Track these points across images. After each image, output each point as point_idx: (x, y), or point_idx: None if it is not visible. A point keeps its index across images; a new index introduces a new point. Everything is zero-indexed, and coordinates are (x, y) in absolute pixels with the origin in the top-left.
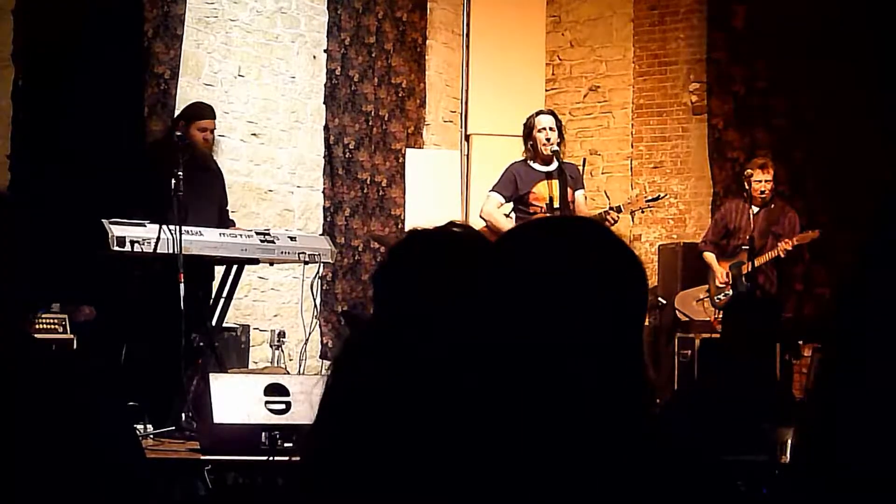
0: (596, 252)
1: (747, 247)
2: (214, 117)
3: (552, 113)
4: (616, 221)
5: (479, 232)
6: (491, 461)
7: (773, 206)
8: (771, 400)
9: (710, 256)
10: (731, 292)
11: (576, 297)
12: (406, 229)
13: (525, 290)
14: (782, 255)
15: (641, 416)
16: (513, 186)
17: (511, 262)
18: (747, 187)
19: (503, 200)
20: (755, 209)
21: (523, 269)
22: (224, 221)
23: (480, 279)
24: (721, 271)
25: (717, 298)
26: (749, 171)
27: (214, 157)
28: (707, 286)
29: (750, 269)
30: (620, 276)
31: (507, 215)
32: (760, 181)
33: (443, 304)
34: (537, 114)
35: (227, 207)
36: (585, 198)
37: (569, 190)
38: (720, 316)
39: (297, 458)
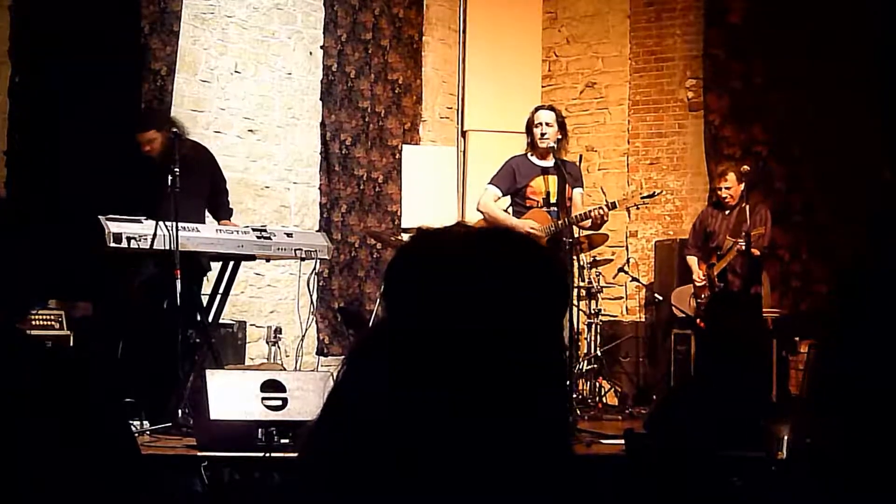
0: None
1: (721, 250)
2: (150, 128)
3: (552, 108)
4: (604, 217)
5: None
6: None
7: (744, 205)
8: (767, 396)
9: (691, 260)
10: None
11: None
12: (402, 226)
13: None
14: (739, 252)
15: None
16: (511, 179)
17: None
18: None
19: (500, 193)
20: (727, 212)
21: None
22: (215, 211)
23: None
24: (699, 273)
25: (700, 300)
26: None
27: (192, 150)
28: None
29: (720, 270)
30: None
31: (507, 209)
32: (722, 189)
33: (448, 304)
34: (537, 109)
35: (227, 188)
36: (582, 195)
37: (567, 187)
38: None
39: (296, 455)
